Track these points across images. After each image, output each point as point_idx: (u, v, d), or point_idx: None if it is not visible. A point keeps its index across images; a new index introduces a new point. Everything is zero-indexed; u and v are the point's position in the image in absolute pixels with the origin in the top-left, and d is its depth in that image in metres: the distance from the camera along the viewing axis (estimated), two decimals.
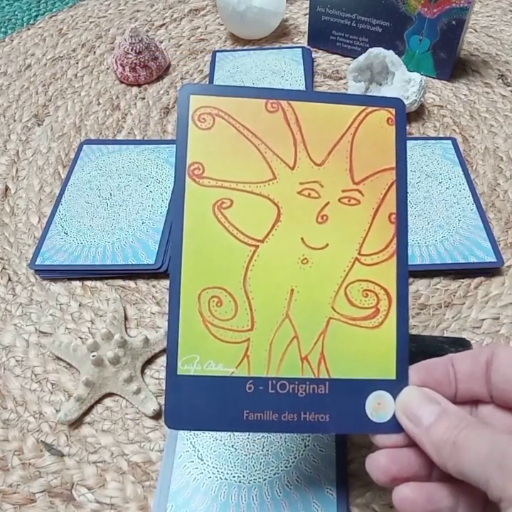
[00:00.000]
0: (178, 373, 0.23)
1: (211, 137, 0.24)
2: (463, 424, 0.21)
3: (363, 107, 0.25)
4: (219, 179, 0.24)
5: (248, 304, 0.24)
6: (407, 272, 0.25)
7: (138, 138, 0.54)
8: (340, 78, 0.60)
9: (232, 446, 0.33)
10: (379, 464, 0.22)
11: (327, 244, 0.24)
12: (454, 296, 0.40)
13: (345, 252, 0.24)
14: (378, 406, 0.23)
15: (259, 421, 0.23)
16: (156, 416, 0.35)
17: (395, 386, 0.24)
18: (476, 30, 0.65)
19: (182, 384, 0.23)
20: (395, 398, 0.24)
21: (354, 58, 0.55)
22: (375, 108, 0.25)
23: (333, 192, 0.25)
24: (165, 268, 0.42)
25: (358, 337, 0.24)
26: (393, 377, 0.24)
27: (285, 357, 0.24)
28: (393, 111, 0.25)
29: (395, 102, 0.25)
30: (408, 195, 0.45)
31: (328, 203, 0.24)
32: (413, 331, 0.38)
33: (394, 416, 0.23)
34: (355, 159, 0.25)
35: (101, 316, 0.40)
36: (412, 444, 0.22)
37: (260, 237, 0.24)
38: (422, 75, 0.53)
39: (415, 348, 0.33)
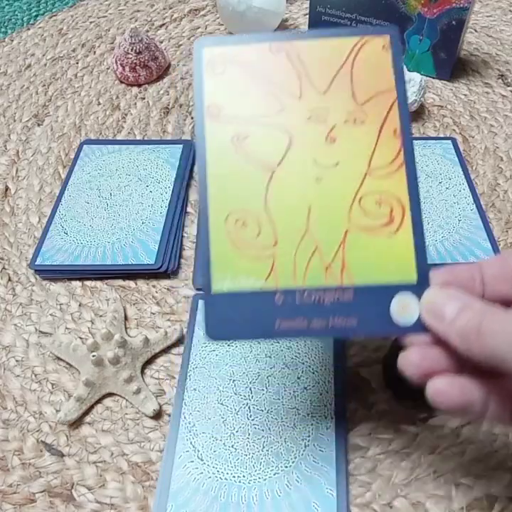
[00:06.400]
0: (213, 292, 0.25)
1: (224, 81, 0.27)
2: (487, 312, 0.21)
3: (359, 38, 0.27)
4: (234, 116, 0.27)
5: (270, 222, 0.26)
6: (417, 181, 0.26)
7: (138, 138, 0.54)
8: None
9: (232, 446, 0.33)
10: (411, 360, 0.23)
11: (338, 162, 0.26)
12: None
13: (356, 167, 0.26)
14: (403, 309, 0.24)
15: (290, 329, 0.25)
16: (156, 416, 0.35)
17: (417, 289, 0.24)
18: (476, 30, 0.65)
19: (217, 301, 0.25)
20: (419, 300, 0.24)
21: None
22: (370, 37, 0.27)
23: (338, 115, 0.26)
24: (165, 268, 0.42)
25: (377, 245, 0.25)
26: (414, 280, 0.25)
27: (309, 268, 0.25)
28: (388, 37, 0.27)
29: (388, 30, 0.27)
30: None
31: (335, 125, 0.26)
32: None
33: (419, 318, 0.24)
34: (356, 84, 0.27)
35: (101, 316, 0.40)
36: (440, 343, 0.23)
37: (276, 161, 0.26)
38: (422, 75, 0.53)
39: None
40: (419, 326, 0.24)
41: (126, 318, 0.40)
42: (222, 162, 0.26)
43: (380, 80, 0.27)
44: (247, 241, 0.26)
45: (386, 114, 0.26)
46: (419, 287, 0.24)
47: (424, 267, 0.25)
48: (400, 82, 0.26)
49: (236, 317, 0.25)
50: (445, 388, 0.22)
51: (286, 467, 0.32)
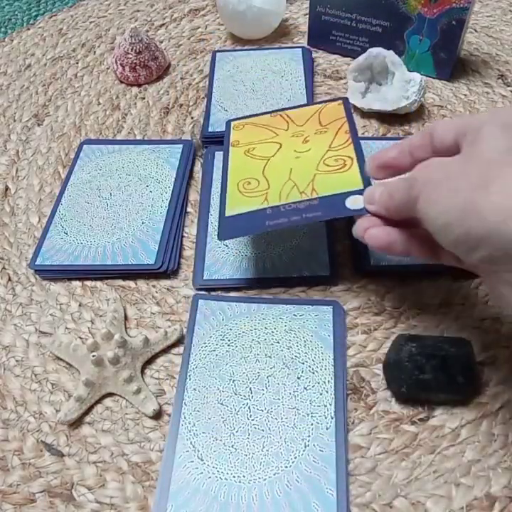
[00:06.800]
0: (226, 215, 0.38)
1: (242, 131, 0.46)
2: (395, 181, 0.31)
3: (324, 104, 0.47)
4: (246, 142, 0.45)
5: (266, 179, 0.40)
6: (362, 151, 0.40)
7: (138, 138, 0.54)
8: (340, 78, 0.60)
9: (232, 446, 0.33)
10: (360, 225, 0.34)
11: (310, 149, 0.42)
12: (454, 296, 0.40)
13: (322, 148, 0.42)
14: (354, 202, 0.36)
15: (275, 224, 0.36)
16: (156, 416, 0.35)
17: (363, 192, 0.36)
18: (476, 30, 0.65)
19: (227, 219, 0.38)
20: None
21: (354, 58, 0.55)
22: (330, 103, 0.47)
23: (310, 131, 0.44)
24: (165, 268, 0.42)
25: (335, 177, 0.38)
26: (361, 187, 0.37)
27: (289, 194, 0.38)
28: (341, 101, 0.46)
29: (342, 99, 0.46)
30: None
31: (308, 135, 0.43)
32: (413, 331, 0.38)
33: (364, 206, 0.35)
34: (322, 119, 0.45)
35: (101, 316, 0.40)
36: (377, 215, 0.33)
37: (270, 155, 0.42)
38: (422, 75, 0.53)
39: (415, 349, 0.33)
40: (364, 211, 0.34)
41: (126, 318, 0.40)
42: (238, 162, 0.43)
43: (336, 115, 0.45)
44: (250, 190, 0.40)
45: (340, 126, 0.43)
46: (365, 190, 0.36)
47: (367, 181, 0.37)
48: (349, 116, 0.44)
49: (239, 225, 0.37)
50: (375, 232, 0.32)
51: (286, 467, 0.32)
